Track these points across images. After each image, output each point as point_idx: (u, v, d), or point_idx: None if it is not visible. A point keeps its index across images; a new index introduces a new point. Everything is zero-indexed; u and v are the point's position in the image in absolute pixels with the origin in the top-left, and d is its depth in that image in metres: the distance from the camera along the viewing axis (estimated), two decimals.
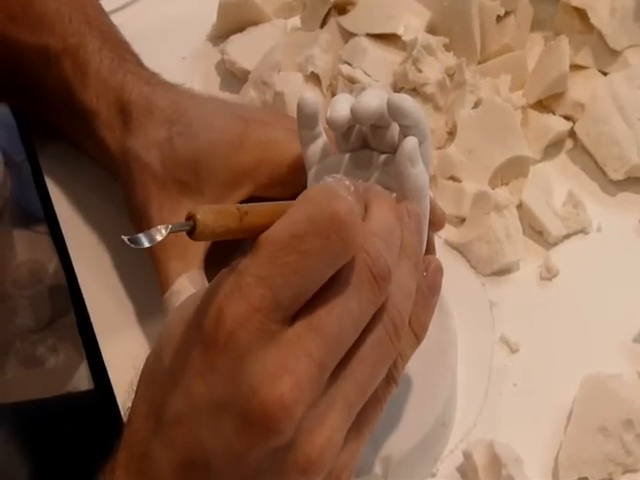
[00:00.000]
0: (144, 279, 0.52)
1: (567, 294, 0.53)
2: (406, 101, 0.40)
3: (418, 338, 0.39)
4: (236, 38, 0.61)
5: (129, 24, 0.59)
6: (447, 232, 0.55)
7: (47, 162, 0.60)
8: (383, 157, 0.44)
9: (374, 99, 0.41)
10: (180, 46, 0.64)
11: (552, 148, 0.60)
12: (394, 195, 0.41)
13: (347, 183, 0.36)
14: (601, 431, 0.46)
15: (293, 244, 0.33)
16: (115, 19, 0.58)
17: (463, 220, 0.55)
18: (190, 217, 0.31)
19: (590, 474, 0.46)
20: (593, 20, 0.60)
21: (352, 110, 0.41)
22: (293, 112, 0.55)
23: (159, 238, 0.31)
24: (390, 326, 0.36)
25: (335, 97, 0.43)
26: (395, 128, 0.43)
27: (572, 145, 0.60)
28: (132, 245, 0.30)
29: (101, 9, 0.58)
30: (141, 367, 0.37)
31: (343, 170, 0.44)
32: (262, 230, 0.33)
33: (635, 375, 0.49)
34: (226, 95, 0.59)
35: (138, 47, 0.56)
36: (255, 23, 0.61)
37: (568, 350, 0.51)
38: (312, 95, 0.43)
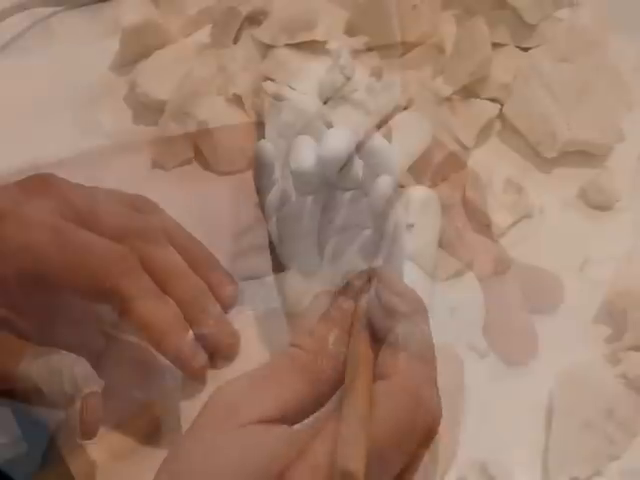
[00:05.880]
0: None
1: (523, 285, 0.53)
2: (379, 141, 0.38)
3: None
4: (145, 66, 0.56)
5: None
6: None
7: None
8: (349, 194, 0.41)
9: (341, 142, 0.38)
10: (83, 83, 0.57)
11: (481, 132, 0.59)
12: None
13: None
14: (586, 427, 0.46)
15: None
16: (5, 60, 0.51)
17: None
18: None
19: (580, 472, 0.46)
20: None
21: (321, 158, 0.39)
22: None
23: None
24: None
25: (295, 144, 0.40)
26: (358, 163, 0.41)
27: (500, 126, 0.60)
28: None
29: None
30: None
31: (307, 215, 0.41)
32: None
33: (602, 359, 0.50)
34: (140, 128, 0.54)
35: (35, 93, 0.49)
36: (161, 46, 0.57)
37: None
38: (270, 144, 0.40)
